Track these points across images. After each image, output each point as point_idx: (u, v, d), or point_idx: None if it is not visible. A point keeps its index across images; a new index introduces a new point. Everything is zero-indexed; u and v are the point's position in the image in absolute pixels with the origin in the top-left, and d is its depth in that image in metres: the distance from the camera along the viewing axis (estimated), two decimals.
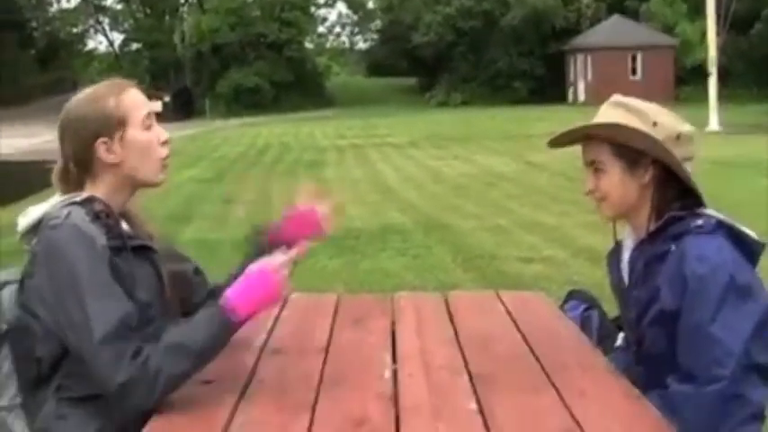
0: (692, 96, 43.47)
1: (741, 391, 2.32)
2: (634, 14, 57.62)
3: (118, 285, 2.31)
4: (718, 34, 33.03)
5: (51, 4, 73.76)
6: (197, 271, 2.80)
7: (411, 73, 69.66)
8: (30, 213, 2.46)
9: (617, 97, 2.63)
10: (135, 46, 70.28)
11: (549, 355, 2.57)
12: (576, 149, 2.68)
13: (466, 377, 2.40)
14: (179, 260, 2.76)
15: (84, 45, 76.71)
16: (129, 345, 2.22)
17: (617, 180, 2.53)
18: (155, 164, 2.51)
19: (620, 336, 2.96)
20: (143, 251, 2.49)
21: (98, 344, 2.20)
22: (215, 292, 2.61)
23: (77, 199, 2.41)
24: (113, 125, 2.45)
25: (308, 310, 3.21)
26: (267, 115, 53.85)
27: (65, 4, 78.38)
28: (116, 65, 67.25)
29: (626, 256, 2.65)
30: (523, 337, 2.78)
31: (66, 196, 2.44)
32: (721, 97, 32.39)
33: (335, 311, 3.13)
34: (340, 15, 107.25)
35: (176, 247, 2.87)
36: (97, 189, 2.47)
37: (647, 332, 2.51)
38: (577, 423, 2.08)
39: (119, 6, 72.78)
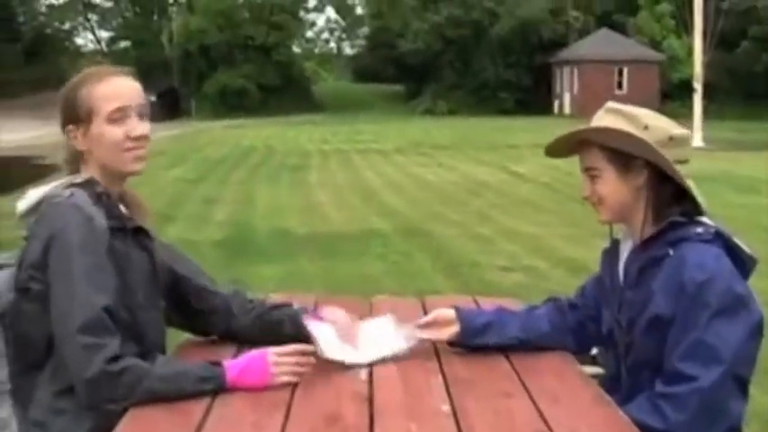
0: (677, 112, 43.33)
1: (722, 399, 2.35)
2: (622, 28, 57.83)
3: (108, 272, 2.30)
4: (704, 51, 33.19)
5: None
6: (200, 274, 2.80)
7: (398, 80, 69.74)
8: (29, 195, 2.44)
9: (611, 104, 2.65)
10: (123, 44, 70.34)
11: (523, 360, 2.60)
12: (561, 161, 2.69)
13: (440, 379, 2.43)
14: (180, 261, 2.76)
15: (72, 42, 76.44)
16: (106, 342, 2.21)
17: (611, 184, 2.55)
18: (120, 157, 2.44)
19: (594, 349, 2.98)
20: (140, 235, 2.49)
21: (76, 331, 2.21)
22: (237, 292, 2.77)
23: (77, 180, 2.42)
24: (80, 115, 2.42)
25: None
26: (253, 118, 53.85)
27: (53, 0, 78.15)
28: (103, 63, 67.00)
29: (623, 256, 2.66)
30: None
31: (65, 179, 2.44)
32: (706, 113, 32.59)
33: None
34: (328, 20, 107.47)
35: (176, 249, 2.84)
36: (89, 170, 2.46)
37: (639, 339, 2.51)
38: (547, 425, 2.11)
39: (108, 4, 72.85)
